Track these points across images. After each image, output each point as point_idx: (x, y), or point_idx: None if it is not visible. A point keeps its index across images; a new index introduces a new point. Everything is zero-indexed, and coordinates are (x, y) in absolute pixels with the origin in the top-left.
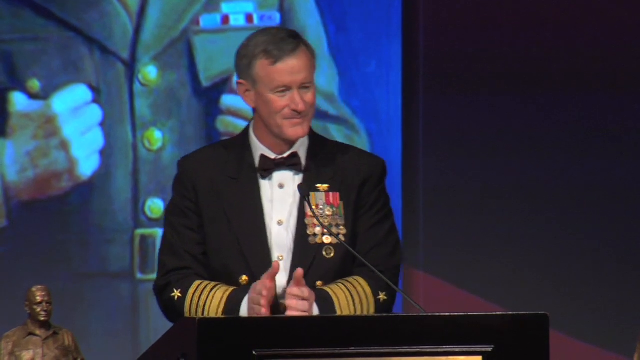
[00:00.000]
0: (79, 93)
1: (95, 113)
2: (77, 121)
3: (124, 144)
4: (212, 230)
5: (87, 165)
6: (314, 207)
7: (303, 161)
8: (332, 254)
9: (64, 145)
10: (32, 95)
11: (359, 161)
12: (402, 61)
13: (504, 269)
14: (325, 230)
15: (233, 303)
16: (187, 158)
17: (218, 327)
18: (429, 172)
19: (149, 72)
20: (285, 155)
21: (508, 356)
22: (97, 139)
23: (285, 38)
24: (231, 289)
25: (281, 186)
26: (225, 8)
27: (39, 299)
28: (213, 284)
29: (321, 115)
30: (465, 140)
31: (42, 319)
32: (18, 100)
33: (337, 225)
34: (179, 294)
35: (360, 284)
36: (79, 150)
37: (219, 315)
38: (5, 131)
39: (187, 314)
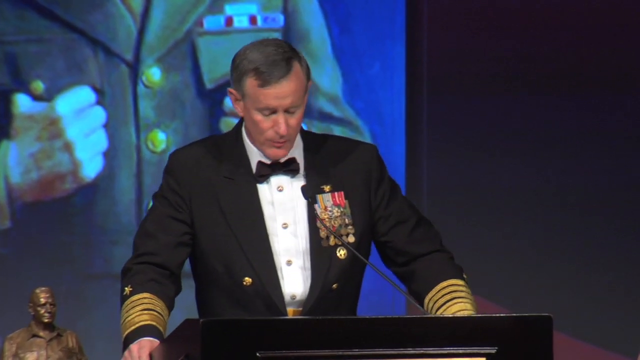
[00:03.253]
0: (82, 95)
1: (99, 115)
2: (81, 123)
3: (128, 145)
4: (209, 230)
5: (90, 166)
6: (322, 209)
7: (301, 165)
8: (344, 256)
9: (68, 147)
10: (36, 97)
11: (354, 154)
12: (406, 63)
13: (507, 270)
14: (337, 231)
15: (129, 339)
16: (180, 153)
17: (222, 328)
18: (433, 174)
19: (153, 74)
20: (282, 160)
21: (512, 358)
22: (100, 140)
23: (278, 62)
24: (140, 324)
25: (280, 189)
26: (229, 10)
27: (42, 300)
28: (143, 307)
29: (325, 116)
30: (469, 142)
31: (46, 320)
32: (22, 102)
33: (346, 225)
34: (128, 292)
35: (457, 284)
36: (82, 151)
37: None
38: (9, 133)
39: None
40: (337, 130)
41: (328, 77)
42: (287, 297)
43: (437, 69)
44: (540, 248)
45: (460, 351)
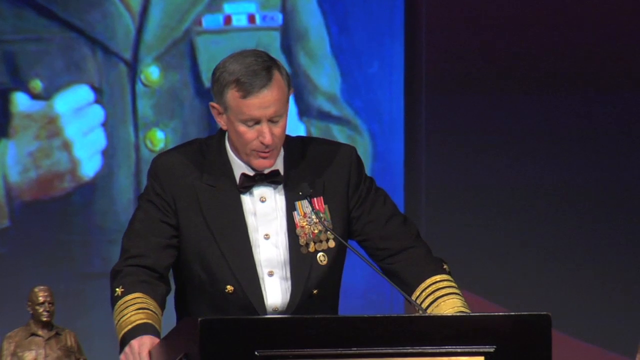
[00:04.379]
0: (81, 93)
1: (97, 113)
2: (80, 122)
3: (127, 144)
4: (192, 237)
5: (89, 165)
6: (301, 215)
7: (282, 175)
8: (325, 261)
9: (67, 146)
10: (34, 96)
11: (334, 158)
12: (405, 62)
13: (506, 269)
14: (316, 237)
15: (127, 338)
16: (163, 158)
17: (220, 327)
18: (431, 172)
19: (151, 73)
20: (266, 172)
21: (510, 356)
22: (99, 139)
23: (258, 71)
24: (137, 322)
25: (263, 200)
26: (227, 8)
27: (41, 299)
28: (137, 306)
29: (324, 116)
30: (467, 141)
31: (45, 319)
32: (20, 101)
33: (326, 231)
34: (120, 293)
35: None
36: (81, 150)
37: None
38: (7, 132)
39: (113, 313)
40: (336, 129)
41: (327, 76)
42: (269, 309)
43: (435, 68)
44: (539, 247)
45: (459, 350)
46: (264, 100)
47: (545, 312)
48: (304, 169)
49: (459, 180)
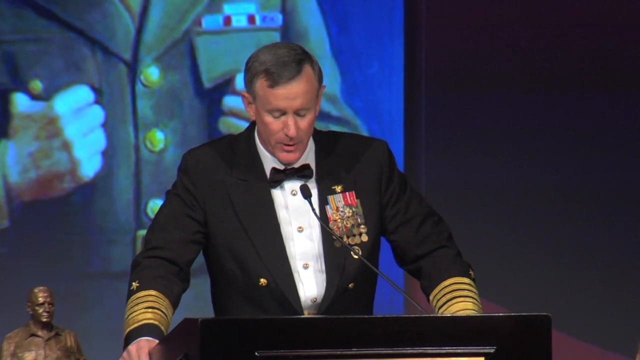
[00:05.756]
0: (81, 94)
1: (97, 114)
2: (80, 122)
3: (126, 145)
4: (224, 232)
5: (89, 166)
6: (334, 210)
7: (314, 169)
8: (360, 254)
9: (66, 146)
10: (34, 96)
11: (365, 153)
12: (405, 62)
13: (506, 269)
14: (349, 231)
15: (131, 336)
16: (194, 153)
17: (221, 327)
18: (431, 173)
19: (151, 73)
20: (297, 166)
21: (510, 357)
22: (99, 140)
23: (288, 63)
24: (143, 322)
25: (294, 193)
26: (227, 9)
27: (41, 300)
28: (148, 304)
29: (323, 116)
30: (467, 141)
31: (44, 320)
32: (20, 101)
33: (359, 225)
34: (135, 287)
35: (461, 282)
36: (81, 151)
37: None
38: (7, 132)
39: (126, 307)
40: (336, 130)
41: (326, 77)
42: (307, 300)
43: (435, 68)
44: (539, 247)
45: (459, 351)
46: (290, 91)
47: (545, 313)
48: (335, 163)
49: (459, 181)
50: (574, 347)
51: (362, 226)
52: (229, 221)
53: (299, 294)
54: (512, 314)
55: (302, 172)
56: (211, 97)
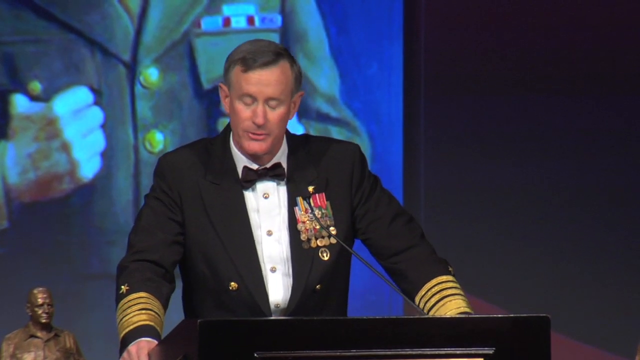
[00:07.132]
0: (80, 95)
1: (96, 115)
2: (79, 123)
3: (125, 145)
4: (196, 234)
5: (88, 167)
6: (302, 211)
7: (286, 170)
8: (327, 256)
9: (65, 147)
10: (33, 97)
11: (337, 155)
12: (404, 63)
13: (505, 270)
14: (318, 233)
15: (127, 338)
16: (169, 157)
17: (220, 329)
18: (430, 173)
19: (150, 74)
20: (268, 166)
21: (509, 358)
22: (98, 141)
23: (266, 51)
24: (138, 324)
25: (266, 196)
26: (226, 10)
27: (40, 301)
28: (140, 306)
29: (322, 117)
30: (466, 142)
31: (44, 321)
32: (19, 102)
33: (328, 227)
34: (124, 291)
35: (444, 281)
36: (80, 152)
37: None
38: (6, 133)
39: (117, 311)
40: (335, 131)
41: (326, 78)
42: (271, 306)
43: (434, 69)
44: (538, 248)
45: (458, 352)
46: (262, 77)
47: (544, 314)
48: (307, 164)
49: (458, 182)
50: (573, 349)
51: (331, 228)
52: (201, 224)
53: (268, 298)
54: (511, 315)
55: (274, 172)
56: (210, 98)
